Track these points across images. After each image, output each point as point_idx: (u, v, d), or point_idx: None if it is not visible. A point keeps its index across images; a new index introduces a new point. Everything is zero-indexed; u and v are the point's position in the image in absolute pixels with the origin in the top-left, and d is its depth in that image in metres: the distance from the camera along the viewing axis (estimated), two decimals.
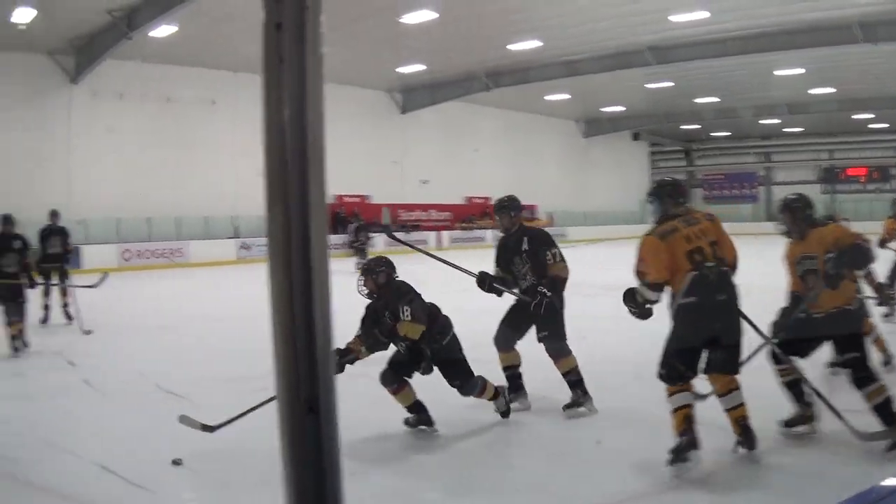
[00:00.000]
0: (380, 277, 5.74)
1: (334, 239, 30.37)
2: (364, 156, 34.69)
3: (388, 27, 24.68)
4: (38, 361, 9.15)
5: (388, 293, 5.71)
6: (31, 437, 5.82)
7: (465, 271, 6.75)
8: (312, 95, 1.19)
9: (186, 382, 7.47)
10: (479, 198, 39.94)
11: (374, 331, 5.62)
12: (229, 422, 5.16)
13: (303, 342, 1.23)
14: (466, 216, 39.42)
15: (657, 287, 4.86)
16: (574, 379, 6.14)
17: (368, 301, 5.81)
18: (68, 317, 11.98)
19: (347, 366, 5.39)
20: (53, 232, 12.46)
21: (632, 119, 46.52)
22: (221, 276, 18.96)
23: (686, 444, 4.61)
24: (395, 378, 5.67)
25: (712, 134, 51.77)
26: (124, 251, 25.84)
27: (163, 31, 23.42)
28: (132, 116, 28.31)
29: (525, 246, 6.37)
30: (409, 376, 5.76)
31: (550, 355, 6.23)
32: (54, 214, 12.83)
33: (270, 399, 5.24)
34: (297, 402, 1.22)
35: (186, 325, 11.95)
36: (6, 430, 6.06)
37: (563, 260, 6.33)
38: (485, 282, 6.45)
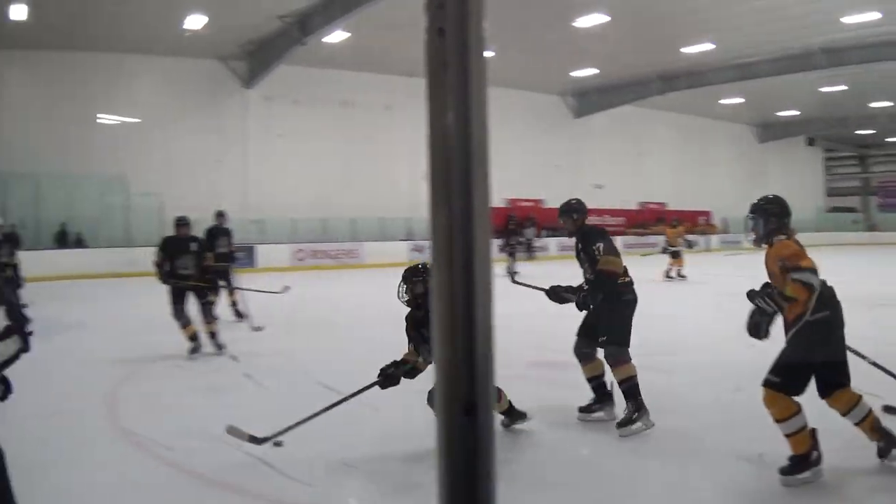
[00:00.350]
0: (417, 287, 5.60)
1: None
2: (538, 160, 34.93)
3: (562, 31, 24.68)
4: (202, 357, 9.53)
5: (426, 302, 5.43)
6: (195, 429, 6.04)
7: (536, 288, 6.59)
8: (476, 100, 1.19)
9: (350, 381, 7.60)
10: (653, 203, 39.24)
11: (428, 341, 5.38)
12: (280, 433, 5.28)
13: (463, 345, 1.23)
14: (639, 222, 38.59)
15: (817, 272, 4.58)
16: (629, 389, 5.79)
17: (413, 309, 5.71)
18: (238, 315, 12.47)
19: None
20: (220, 232, 12.89)
21: (806, 124, 44.51)
22: (394, 277, 19.31)
23: (816, 460, 4.59)
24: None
25: (888, 139, 48.63)
26: (298, 251, 26.82)
27: (336, 36, 24.26)
28: (307, 120, 29.57)
29: (579, 245, 6.24)
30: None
31: (607, 361, 5.96)
32: (220, 215, 13.21)
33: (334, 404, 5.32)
34: (454, 405, 1.22)
35: (354, 325, 12.18)
36: (173, 423, 6.36)
37: (611, 253, 6.02)
38: (553, 293, 6.26)
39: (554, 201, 34.39)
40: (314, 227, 28.41)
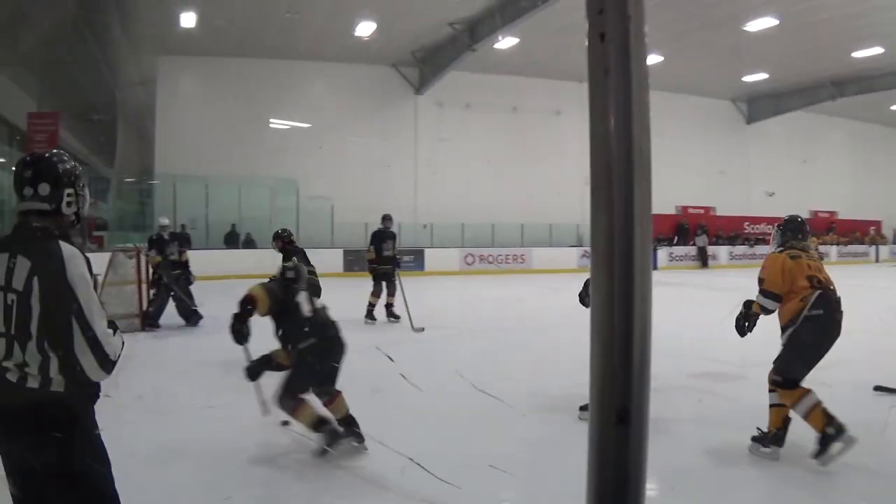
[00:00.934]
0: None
1: (677, 250, 30.05)
2: (709, 167, 34.20)
3: (732, 35, 23.98)
4: (355, 355, 9.78)
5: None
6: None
7: None
8: (638, 105, 1.18)
9: (503, 385, 7.61)
10: (825, 212, 37.43)
11: None
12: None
13: (620, 353, 1.22)
14: (811, 230, 36.64)
15: (775, 297, 5.43)
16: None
17: None
18: (393, 316, 12.76)
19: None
20: (387, 236, 13.04)
21: None
22: (562, 283, 19.28)
23: (837, 430, 4.99)
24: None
25: None
26: (467, 255, 27.04)
27: (505, 42, 24.43)
28: (477, 126, 29.93)
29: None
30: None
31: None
32: (387, 219, 13.34)
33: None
34: (608, 412, 1.21)
35: (514, 330, 12.09)
36: None
37: None
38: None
39: (724, 209, 33.71)
40: (483, 232, 28.58)
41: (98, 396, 2.74)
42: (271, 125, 27.29)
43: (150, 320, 12.09)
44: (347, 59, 27.42)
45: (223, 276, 13.73)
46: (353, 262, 25.33)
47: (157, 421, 6.30)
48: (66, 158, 2.82)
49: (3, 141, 24.24)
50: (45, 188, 2.68)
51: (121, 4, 20.96)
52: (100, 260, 14.53)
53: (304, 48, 25.97)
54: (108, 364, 2.58)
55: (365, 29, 23.91)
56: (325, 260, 24.73)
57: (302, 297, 5.66)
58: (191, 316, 12.54)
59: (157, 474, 4.91)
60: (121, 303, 12.33)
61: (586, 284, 6.23)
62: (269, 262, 23.47)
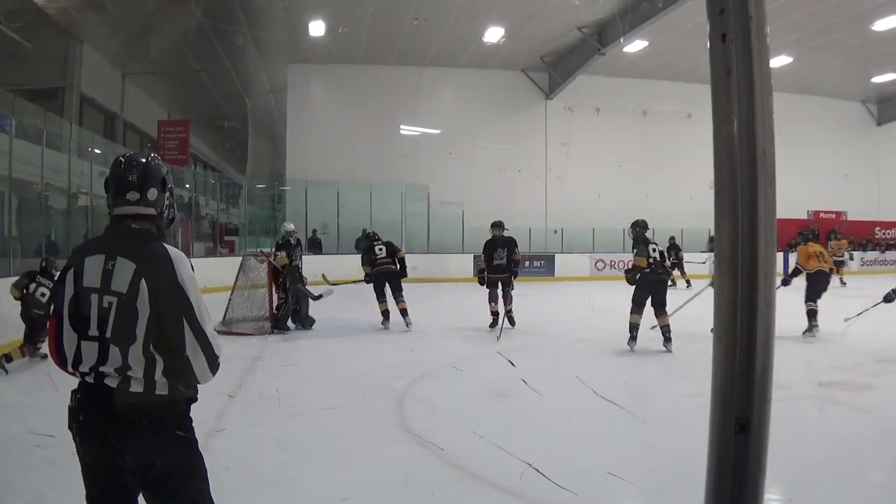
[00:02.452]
0: None
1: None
2: (840, 169, 32.95)
3: (860, 35, 23.04)
4: (476, 360, 9.90)
5: None
6: (462, 427, 6.24)
7: None
8: (761, 106, 1.16)
9: (623, 391, 7.54)
10: None
11: None
12: None
13: (742, 360, 1.20)
14: None
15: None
16: None
17: None
18: (511, 322, 12.65)
19: None
20: (498, 244, 12.78)
21: None
22: (693, 289, 18.91)
23: None
24: None
25: None
26: (597, 261, 26.87)
27: (635, 45, 24.19)
28: (607, 130, 29.83)
29: None
30: None
31: None
32: (496, 226, 13.09)
33: None
34: (728, 421, 1.19)
35: (640, 337, 11.96)
36: (438, 420, 6.66)
37: None
38: None
39: (856, 213, 32.38)
40: (614, 238, 28.24)
41: (196, 399, 2.69)
42: (401, 131, 27.76)
43: (279, 323, 12.34)
44: (476, 64, 27.70)
45: (353, 280, 14.02)
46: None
47: (282, 421, 6.48)
48: (161, 162, 2.81)
49: (134, 148, 25.43)
50: (153, 193, 2.67)
51: (249, 13, 21.76)
52: (231, 264, 15.17)
53: (433, 54, 26.37)
54: (215, 365, 2.57)
55: (493, 34, 24.11)
56: (455, 265, 25.08)
57: None
58: (304, 320, 12.76)
59: (279, 473, 5.06)
60: (251, 306, 12.78)
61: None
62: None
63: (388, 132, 27.50)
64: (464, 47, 25.72)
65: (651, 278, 10.45)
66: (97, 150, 18.43)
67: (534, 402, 7.33)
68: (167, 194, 2.74)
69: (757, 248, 1.19)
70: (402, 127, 27.75)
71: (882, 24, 22.24)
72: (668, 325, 10.46)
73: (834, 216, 32.68)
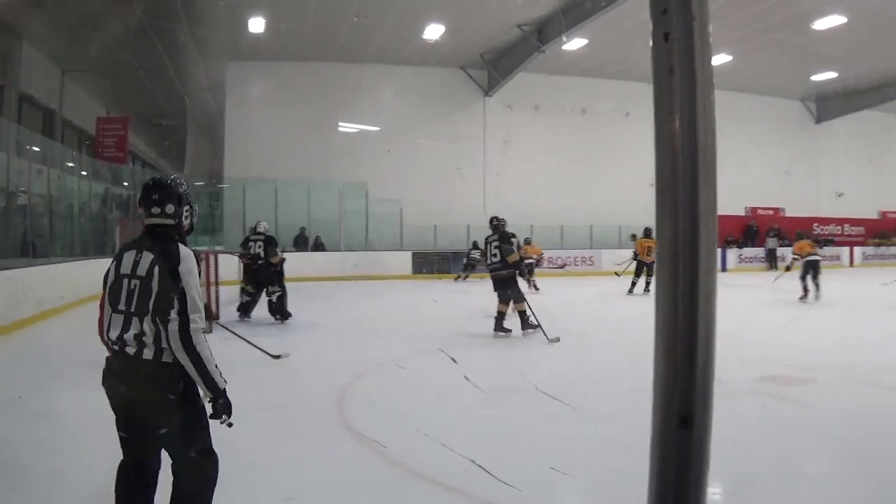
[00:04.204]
0: None
1: (746, 252, 29.69)
2: (777, 167, 33.88)
3: (800, 34, 23.62)
4: (417, 358, 9.87)
5: None
6: (405, 425, 6.23)
7: None
8: (703, 105, 1.17)
9: (566, 387, 7.58)
10: (894, 212, 36.56)
11: None
12: None
13: (684, 356, 1.21)
14: (880, 231, 35.84)
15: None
16: None
17: None
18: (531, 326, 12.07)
19: None
20: (491, 239, 12.17)
21: None
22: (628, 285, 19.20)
23: None
24: None
25: None
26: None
27: (574, 44, 24.39)
28: (546, 128, 30.01)
29: None
30: None
31: None
32: (491, 220, 12.42)
33: None
34: (670, 415, 1.20)
35: (581, 332, 11.96)
36: (380, 418, 6.63)
37: None
38: None
39: (793, 210, 33.10)
40: (552, 234, 28.41)
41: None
42: (340, 129, 27.59)
43: (283, 313, 13.06)
44: (416, 62, 27.66)
45: (294, 279, 13.93)
46: (421, 264, 25.50)
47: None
48: (182, 182, 3.67)
49: (72, 146, 24.90)
50: (170, 208, 3.52)
51: (190, 11, 21.41)
52: None
53: (373, 52, 26.27)
54: (186, 337, 3.22)
55: (433, 32, 24.09)
56: (394, 262, 25.04)
57: None
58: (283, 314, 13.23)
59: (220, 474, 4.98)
60: None
61: None
62: (337, 264, 23.91)
63: (328, 130, 27.29)
64: (404, 45, 25.66)
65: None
66: (35, 148, 17.97)
67: (476, 398, 7.35)
68: (185, 207, 3.59)
69: (698, 246, 1.20)
70: (341, 124, 27.57)
71: (822, 24, 22.76)
72: (524, 313, 11.42)
73: (772, 212, 33.45)
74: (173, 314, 3.23)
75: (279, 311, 13.08)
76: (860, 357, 9.47)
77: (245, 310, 13.20)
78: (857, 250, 33.73)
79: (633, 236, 22.41)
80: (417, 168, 27.70)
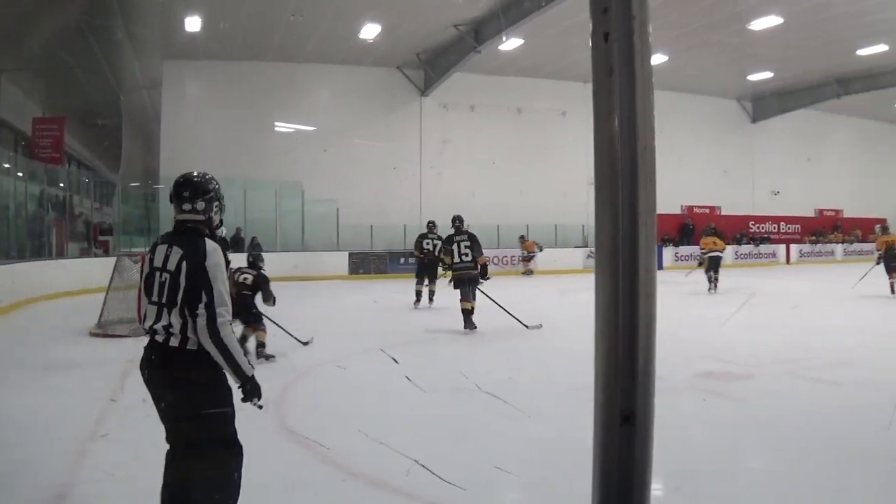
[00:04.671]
0: None
1: (682, 250, 30.10)
2: (714, 166, 34.50)
3: (736, 34, 24.13)
4: (357, 358, 9.88)
5: None
6: (346, 425, 6.20)
7: None
8: (643, 105, 1.18)
9: (508, 386, 7.61)
10: (830, 210, 37.67)
11: None
12: None
13: (625, 354, 1.21)
14: (816, 229, 36.76)
15: None
16: None
17: None
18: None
19: None
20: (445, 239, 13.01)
21: None
22: (568, 284, 19.37)
23: None
24: None
25: None
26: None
27: (510, 44, 24.48)
28: (482, 127, 30.07)
29: None
30: None
31: None
32: (453, 221, 13.50)
33: None
34: (612, 413, 1.21)
35: (521, 332, 12.00)
36: (321, 419, 6.60)
37: None
38: None
39: (729, 208, 33.76)
40: (489, 234, 28.36)
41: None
42: (276, 128, 27.32)
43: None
44: (352, 61, 27.50)
45: None
46: (358, 264, 25.41)
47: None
48: (210, 178, 3.83)
49: (8, 146, 24.21)
50: (200, 204, 3.71)
51: (125, 9, 20.99)
52: (105, 265, 14.61)
53: (310, 51, 26.06)
54: (213, 330, 3.41)
55: (370, 31, 23.97)
56: (330, 262, 24.89)
57: None
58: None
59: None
60: (127, 307, 12.33)
61: None
62: (275, 265, 23.60)
63: (263, 129, 27.01)
64: (341, 44, 25.48)
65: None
66: None
67: (418, 398, 7.32)
68: (214, 204, 3.77)
69: (637, 243, 1.21)
70: (277, 124, 27.29)
71: (758, 24, 23.20)
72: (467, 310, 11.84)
73: (708, 211, 34.01)
74: (201, 308, 3.41)
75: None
76: (798, 353, 9.70)
77: None
78: (794, 248, 34.50)
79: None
80: (354, 168, 27.53)
